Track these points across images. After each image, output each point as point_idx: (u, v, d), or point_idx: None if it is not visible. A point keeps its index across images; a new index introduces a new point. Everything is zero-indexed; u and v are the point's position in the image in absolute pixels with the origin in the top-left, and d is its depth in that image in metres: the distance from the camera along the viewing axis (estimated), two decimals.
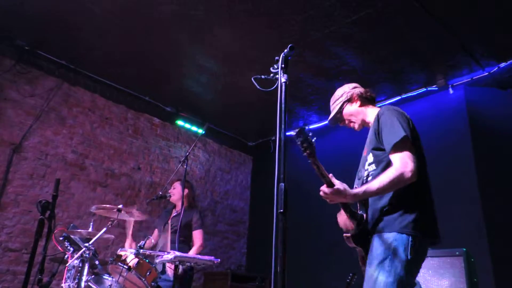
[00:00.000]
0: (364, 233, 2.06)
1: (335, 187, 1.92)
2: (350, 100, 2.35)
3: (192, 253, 3.90)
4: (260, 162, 7.55)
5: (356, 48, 4.60)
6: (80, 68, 5.34)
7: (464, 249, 3.15)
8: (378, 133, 2.09)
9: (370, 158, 2.15)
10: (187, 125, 6.63)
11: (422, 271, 3.22)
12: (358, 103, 2.34)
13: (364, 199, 2.08)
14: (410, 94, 5.35)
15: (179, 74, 5.41)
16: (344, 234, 2.08)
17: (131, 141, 5.88)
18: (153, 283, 3.38)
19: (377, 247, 1.92)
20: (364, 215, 2.11)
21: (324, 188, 1.93)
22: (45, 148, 4.95)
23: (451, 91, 5.02)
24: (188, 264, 3.30)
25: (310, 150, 1.83)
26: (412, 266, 1.88)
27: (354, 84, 2.43)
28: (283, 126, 1.73)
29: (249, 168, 7.71)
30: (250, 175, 7.66)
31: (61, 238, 3.33)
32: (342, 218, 2.18)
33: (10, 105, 4.76)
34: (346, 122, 2.41)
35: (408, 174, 1.88)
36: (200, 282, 6.16)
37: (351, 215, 2.10)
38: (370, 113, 2.30)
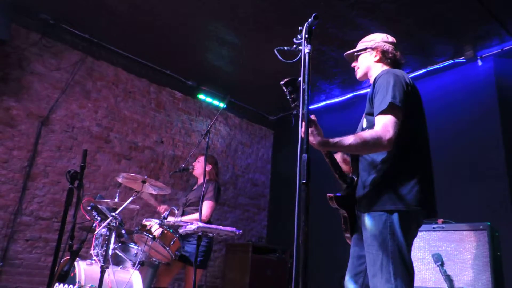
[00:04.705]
0: (351, 197, 2.05)
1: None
2: (373, 49, 2.27)
3: (192, 219, 3.81)
4: (281, 137, 7.54)
5: (382, 19, 4.45)
6: (103, 42, 5.38)
7: (488, 223, 3.12)
8: (371, 98, 2.03)
9: (364, 123, 2.11)
10: (209, 99, 6.65)
11: (444, 245, 3.22)
12: (377, 57, 2.25)
13: (341, 152, 2.14)
14: (436, 67, 5.17)
15: (200, 48, 5.39)
16: (328, 194, 2.03)
17: (153, 114, 5.95)
18: (177, 252, 3.50)
19: (372, 227, 1.88)
20: (355, 178, 2.08)
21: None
22: (71, 121, 5.08)
23: (479, 63, 4.83)
24: (211, 234, 3.38)
25: (298, 101, 1.83)
26: (409, 241, 1.87)
27: (391, 39, 2.32)
28: (306, 97, 1.71)
29: (270, 142, 7.72)
30: (271, 149, 7.68)
31: (88, 208, 3.45)
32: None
33: (37, 79, 4.87)
34: (355, 64, 2.35)
35: (385, 141, 1.80)
36: (222, 253, 6.32)
37: (340, 176, 2.10)
38: (376, 72, 2.16)
